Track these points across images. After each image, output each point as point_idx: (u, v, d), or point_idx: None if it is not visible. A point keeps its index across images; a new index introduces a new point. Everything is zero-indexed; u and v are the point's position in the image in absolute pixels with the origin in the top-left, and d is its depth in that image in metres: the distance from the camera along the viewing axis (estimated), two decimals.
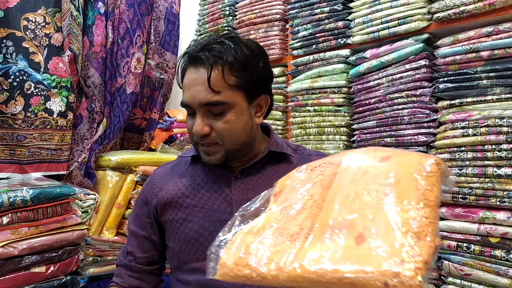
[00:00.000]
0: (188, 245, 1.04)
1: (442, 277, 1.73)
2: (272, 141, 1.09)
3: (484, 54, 1.63)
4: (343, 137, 2.08)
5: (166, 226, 1.10)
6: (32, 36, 1.92)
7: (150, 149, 2.46)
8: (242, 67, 0.96)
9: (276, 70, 2.39)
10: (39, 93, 1.93)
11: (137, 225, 1.16)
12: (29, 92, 1.91)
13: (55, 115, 1.98)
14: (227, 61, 0.94)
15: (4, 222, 1.59)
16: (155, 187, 1.13)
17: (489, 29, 1.62)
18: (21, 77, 1.88)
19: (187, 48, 1.01)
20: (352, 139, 2.05)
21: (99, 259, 1.91)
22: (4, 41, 1.85)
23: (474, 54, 1.65)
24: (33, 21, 1.93)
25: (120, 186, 2.03)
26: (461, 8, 1.69)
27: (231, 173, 1.05)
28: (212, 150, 0.99)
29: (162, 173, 1.17)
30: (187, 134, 2.50)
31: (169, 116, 2.54)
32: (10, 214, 1.60)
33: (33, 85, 1.92)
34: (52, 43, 1.98)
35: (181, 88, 1.02)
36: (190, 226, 1.04)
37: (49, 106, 1.96)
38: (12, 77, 1.86)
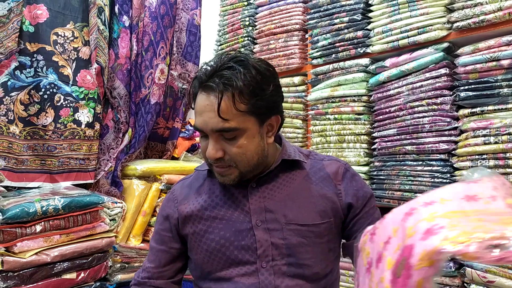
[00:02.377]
0: (211, 256, 1.08)
1: (465, 284, 1.74)
2: (284, 150, 1.12)
3: (505, 62, 1.64)
4: (364, 145, 2.10)
5: (187, 239, 1.14)
6: (61, 50, 1.99)
7: (173, 158, 2.52)
8: (252, 92, 0.96)
9: (296, 79, 2.43)
10: (68, 105, 2.00)
11: (156, 240, 1.19)
12: (58, 104, 1.98)
13: (83, 126, 2.05)
14: (237, 87, 0.94)
15: (37, 230, 1.65)
16: (176, 202, 1.17)
17: (509, 38, 1.64)
18: (51, 90, 1.96)
19: (197, 73, 1.02)
20: (372, 147, 2.07)
21: (127, 265, 1.97)
22: (35, 55, 1.92)
23: (494, 63, 1.66)
24: (62, 35, 2.00)
25: (145, 195, 2.09)
26: (481, 17, 1.71)
27: (247, 183, 1.09)
28: (226, 172, 1.02)
29: (181, 188, 1.20)
30: None
31: (191, 125, 2.59)
32: (42, 223, 1.66)
33: (62, 97, 1.99)
34: (80, 56, 2.05)
35: (192, 109, 1.04)
36: (212, 237, 1.08)
37: (78, 117, 2.03)
38: (43, 90, 1.93)
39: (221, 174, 1.03)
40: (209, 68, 0.98)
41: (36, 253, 1.63)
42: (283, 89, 2.43)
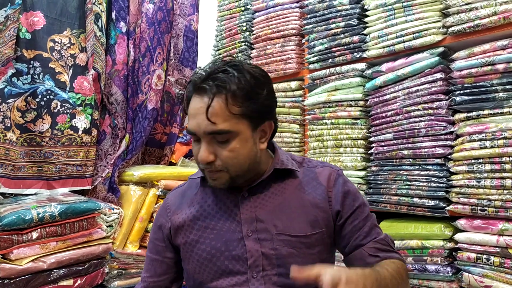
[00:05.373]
0: (202, 266, 1.07)
1: None
2: (277, 159, 1.11)
3: (500, 67, 1.64)
4: (361, 150, 2.11)
5: (180, 249, 1.14)
6: (58, 56, 2.00)
7: (171, 163, 2.52)
8: (246, 96, 0.97)
9: (293, 84, 2.44)
10: (65, 111, 2.01)
11: (151, 249, 1.19)
12: (55, 110, 1.98)
13: (80, 132, 2.05)
14: (230, 90, 0.95)
15: (34, 237, 1.65)
16: (169, 211, 1.17)
17: (504, 42, 1.64)
18: (48, 97, 1.96)
19: (192, 76, 1.03)
20: (369, 152, 2.07)
21: (124, 272, 1.96)
22: (32, 62, 1.93)
23: (489, 67, 1.67)
24: (59, 42, 2.01)
25: (142, 200, 2.08)
26: (476, 22, 1.71)
27: (239, 193, 1.08)
28: (217, 175, 1.01)
29: (175, 197, 1.20)
30: None
31: None
32: (39, 230, 1.66)
33: (59, 103, 1.99)
34: (77, 63, 2.06)
35: (186, 114, 1.05)
36: (203, 247, 1.08)
37: (75, 123, 2.04)
38: (40, 96, 1.94)
39: (212, 178, 1.03)
40: (203, 72, 0.99)
41: (32, 260, 1.63)
42: (280, 94, 2.47)
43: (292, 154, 1.20)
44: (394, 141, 1.95)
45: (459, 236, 1.71)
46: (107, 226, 1.92)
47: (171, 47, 2.53)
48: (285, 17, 2.50)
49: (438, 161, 1.81)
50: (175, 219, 1.13)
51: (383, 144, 2.00)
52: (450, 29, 1.80)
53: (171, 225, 1.14)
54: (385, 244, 1.09)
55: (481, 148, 1.67)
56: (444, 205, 1.78)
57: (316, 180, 1.11)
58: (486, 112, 1.69)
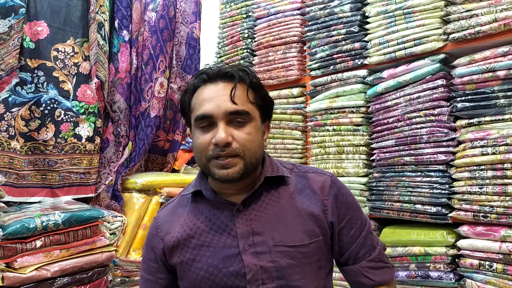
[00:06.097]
0: (201, 284, 1.05)
1: None
2: (266, 167, 1.10)
3: (501, 73, 1.65)
4: (363, 156, 2.11)
5: (176, 268, 1.12)
6: (62, 65, 2.02)
7: (174, 170, 2.53)
8: (258, 89, 1.08)
9: (294, 91, 2.45)
10: (69, 120, 2.02)
11: (145, 269, 1.16)
12: (59, 119, 2.00)
13: (83, 140, 2.07)
14: (251, 80, 1.06)
15: (38, 245, 1.65)
16: (160, 231, 1.14)
17: (505, 49, 1.65)
18: (51, 105, 1.97)
19: (203, 69, 1.09)
20: (371, 158, 2.08)
21: (127, 279, 1.97)
22: (36, 71, 1.94)
23: (490, 74, 1.67)
24: (63, 51, 2.03)
25: (145, 208, 2.09)
26: (477, 29, 1.72)
27: (233, 206, 1.06)
28: (232, 162, 0.99)
29: (166, 215, 1.17)
30: None
31: (191, 138, 2.60)
32: (43, 238, 1.67)
33: (63, 112, 2.01)
34: (80, 71, 2.07)
35: (184, 111, 1.10)
36: (200, 266, 1.05)
37: (78, 131, 2.05)
38: (44, 105, 1.95)
39: (225, 166, 1.00)
40: (215, 68, 1.07)
41: (36, 269, 1.63)
42: (282, 100, 2.48)
43: (282, 161, 1.19)
44: (396, 148, 1.96)
45: (461, 243, 1.71)
46: (111, 234, 1.93)
47: (174, 55, 2.55)
48: (287, 24, 2.52)
49: (440, 167, 1.81)
50: (168, 239, 1.11)
51: (385, 150, 2.01)
52: (451, 36, 1.80)
53: (164, 246, 1.11)
54: (378, 261, 1.12)
55: (482, 154, 1.67)
56: (446, 212, 1.78)
57: (310, 188, 1.11)
58: (487, 118, 1.69)
